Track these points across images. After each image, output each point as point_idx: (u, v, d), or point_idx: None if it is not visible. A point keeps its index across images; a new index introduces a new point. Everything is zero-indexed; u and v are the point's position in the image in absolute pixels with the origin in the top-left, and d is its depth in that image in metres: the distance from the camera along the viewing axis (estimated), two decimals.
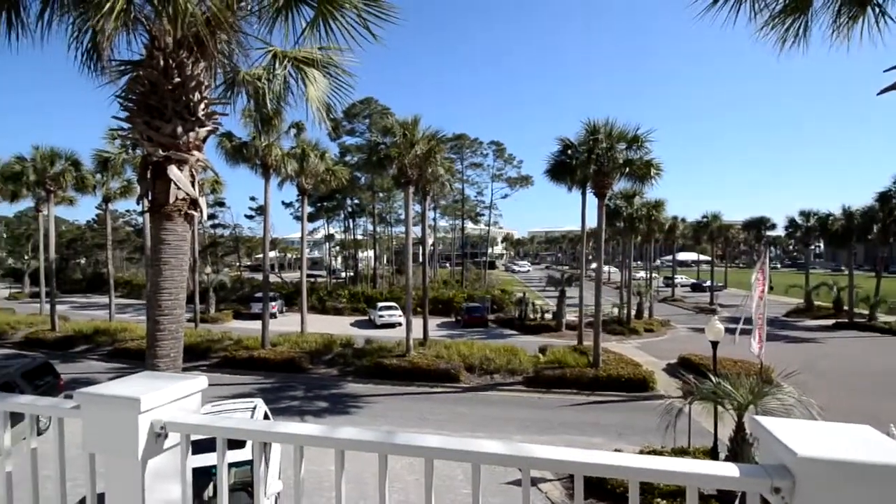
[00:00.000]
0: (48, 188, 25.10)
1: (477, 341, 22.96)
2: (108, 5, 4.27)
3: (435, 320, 32.02)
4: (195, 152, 5.90)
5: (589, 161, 18.72)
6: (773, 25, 6.15)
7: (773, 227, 44.90)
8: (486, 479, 1.37)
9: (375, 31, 5.61)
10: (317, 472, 9.01)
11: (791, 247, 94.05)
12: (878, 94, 5.74)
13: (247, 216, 55.69)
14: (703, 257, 65.23)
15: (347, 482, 1.48)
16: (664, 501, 8.62)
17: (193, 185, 5.90)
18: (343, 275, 56.64)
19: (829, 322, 32.74)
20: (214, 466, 1.60)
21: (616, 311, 32.31)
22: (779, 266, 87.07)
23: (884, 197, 29.55)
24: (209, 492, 7.10)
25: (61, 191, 26.22)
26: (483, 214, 57.83)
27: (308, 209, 32.07)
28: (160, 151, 5.66)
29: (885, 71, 5.40)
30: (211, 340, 23.04)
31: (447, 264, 67.67)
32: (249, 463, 7.30)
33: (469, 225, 60.67)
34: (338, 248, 58.35)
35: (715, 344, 11.82)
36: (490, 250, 72.84)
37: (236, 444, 7.04)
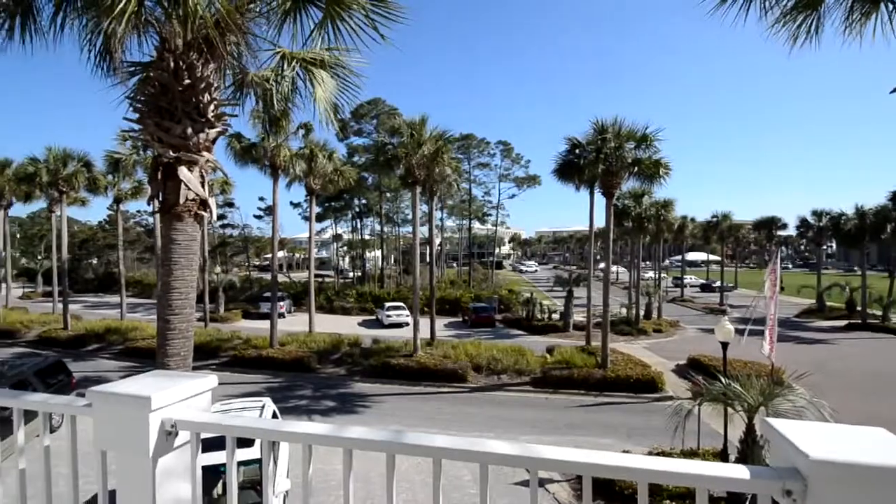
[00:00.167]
0: (61, 189, 25.44)
1: (484, 341, 22.93)
2: (118, 8, 4.32)
3: (442, 320, 32.02)
4: (205, 153, 5.95)
5: (597, 160, 18.62)
6: (784, 23, 6.08)
7: (785, 226, 44.38)
8: (494, 479, 1.37)
9: (383, 31, 5.63)
10: (324, 470, 9.07)
11: (803, 247, 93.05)
12: (892, 91, 5.65)
13: (256, 216, 55.98)
14: (712, 257, 64.62)
15: (355, 481, 1.48)
16: (673, 503, 8.56)
17: (203, 186, 5.96)
18: (351, 275, 56.78)
19: (842, 323, 32.29)
20: (223, 465, 1.61)
21: (624, 311, 32.11)
22: (790, 266, 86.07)
23: None
24: (218, 490, 7.16)
25: (74, 192, 26.57)
26: (490, 214, 57.73)
27: (316, 209, 32.23)
28: (170, 152, 5.71)
29: None
30: (220, 340, 23.23)
31: (454, 264, 67.57)
32: (258, 461, 7.35)
33: (476, 225, 60.56)
34: (345, 248, 58.52)
35: (725, 345, 11.71)
36: (497, 250, 72.68)
37: (245, 442, 7.08)
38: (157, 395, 1.52)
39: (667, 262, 65.70)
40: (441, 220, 54.44)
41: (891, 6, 5.64)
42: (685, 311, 40.34)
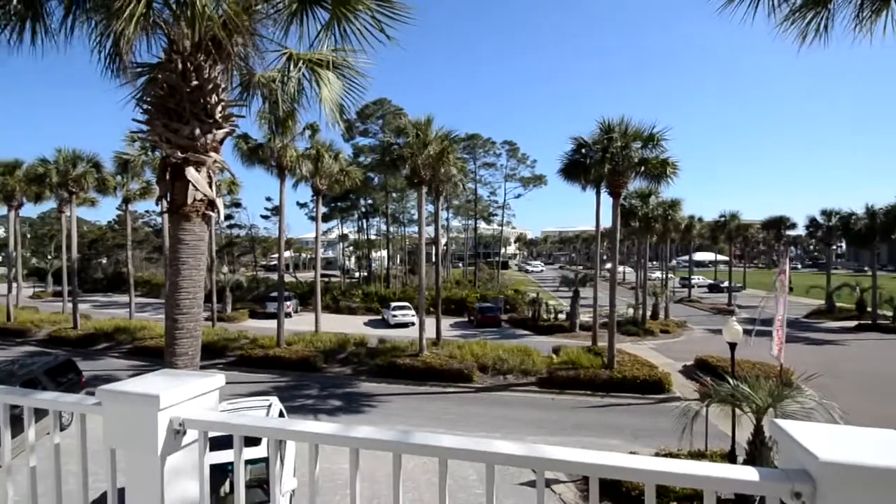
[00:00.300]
0: (70, 189, 25.71)
1: (490, 341, 22.91)
2: (127, 10, 4.36)
3: (448, 320, 32.03)
4: (212, 154, 6.00)
5: (603, 160, 18.54)
6: (793, 21, 6.02)
7: (794, 226, 43.99)
8: (499, 479, 1.38)
9: (389, 32, 5.64)
10: (330, 469, 9.10)
11: (812, 246, 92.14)
12: None
13: (262, 216, 56.53)
14: (720, 257, 64.14)
15: (361, 481, 1.49)
16: None
17: (211, 186, 6.00)
18: (357, 275, 56.93)
19: (852, 324, 31.92)
20: (230, 463, 1.62)
21: (631, 311, 31.96)
22: (799, 266, 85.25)
23: None
24: (225, 488, 7.20)
25: (83, 192, 26.84)
26: (496, 214, 57.67)
27: (322, 209, 32.34)
28: (179, 153, 5.76)
29: None
30: (227, 339, 23.38)
31: (460, 264, 67.57)
32: (264, 460, 7.39)
33: (482, 225, 60.53)
34: (351, 248, 58.67)
35: (733, 345, 11.62)
36: (503, 250, 72.59)
37: (251, 441, 7.13)
38: (166, 393, 1.53)
39: (674, 262, 65.29)
40: (447, 219, 54.46)
41: None
42: (693, 311, 40.08)
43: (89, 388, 13.62)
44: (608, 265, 30.23)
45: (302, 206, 51.46)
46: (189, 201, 5.81)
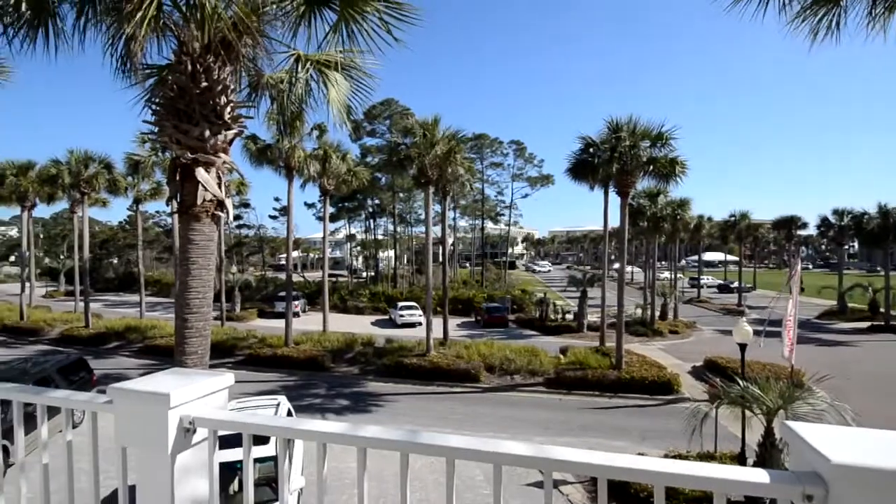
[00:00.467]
0: (82, 190, 26.05)
1: (497, 341, 22.87)
2: (139, 13, 4.40)
3: (455, 320, 32.01)
4: (222, 154, 6.04)
5: (611, 159, 18.43)
6: (804, 18, 5.95)
7: (805, 226, 43.48)
8: (506, 480, 1.38)
9: (396, 33, 5.64)
10: (338, 468, 9.13)
11: (823, 246, 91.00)
12: None
13: (271, 217, 56.88)
14: (730, 257, 63.63)
15: (368, 480, 1.49)
16: None
17: (220, 187, 6.04)
18: (364, 274, 57.12)
19: (864, 325, 31.49)
20: (239, 461, 1.63)
21: (639, 312, 31.74)
22: (811, 267, 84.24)
23: None
24: (234, 486, 7.26)
25: (95, 193, 27.19)
26: (503, 214, 57.54)
27: (330, 210, 32.54)
28: (188, 154, 5.81)
29: None
30: (236, 338, 23.55)
31: (467, 264, 67.54)
32: (273, 459, 7.44)
33: (489, 225, 60.44)
34: (359, 248, 58.89)
35: (743, 346, 11.51)
36: (510, 250, 72.46)
37: (260, 440, 7.19)
38: (176, 392, 1.55)
39: (683, 262, 64.78)
40: (454, 219, 54.47)
41: None
42: (702, 311, 39.74)
43: (101, 386, 13.79)
44: (616, 265, 30.07)
45: (310, 206, 51.83)
46: (199, 202, 5.86)
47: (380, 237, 54.58)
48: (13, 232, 78.50)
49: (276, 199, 55.17)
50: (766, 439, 8.69)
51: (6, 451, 8.42)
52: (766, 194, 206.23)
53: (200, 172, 5.82)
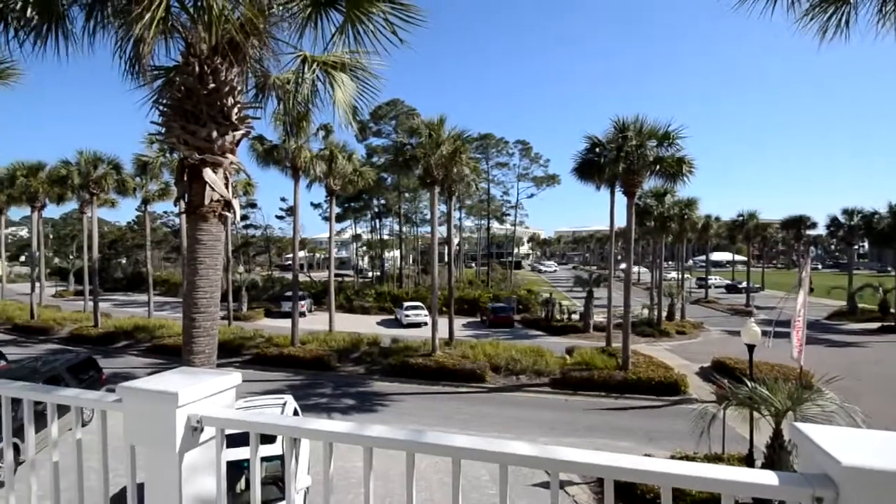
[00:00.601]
0: (91, 191, 26.31)
1: (503, 341, 22.84)
2: (147, 15, 4.44)
3: (460, 320, 32.01)
4: (229, 155, 6.08)
5: (618, 159, 18.35)
6: (812, 16, 5.90)
7: (814, 225, 43.06)
8: (512, 480, 1.37)
9: (402, 34, 5.65)
10: (344, 468, 9.16)
11: (833, 246, 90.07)
12: None
13: (277, 217, 57.08)
14: (738, 257, 63.16)
15: (374, 479, 1.49)
16: None
17: (227, 187, 6.08)
18: (370, 274, 57.25)
19: (874, 325, 31.12)
20: (246, 460, 1.64)
21: (646, 312, 31.57)
22: (820, 267, 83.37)
23: None
24: (241, 485, 7.30)
25: (103, 193, 27.45)
26: (509, 214, 57.48)
27: (336, 210, 32.58)
28: (196, 155, 5.85)
29: None
30: (243, 338, 23.68)
31: (473, 264, 67.54)
32: (279, 458, 7.47)
33: (495, 225, 60.39)
34: (364, 248, 59.04)
35: (751, 347, 11.42)
36: (516, 250, 72.29)
37: (267, 439, 7.22)
38: (184, 391, 1.56)
39: (690, 262, 64.40)
40: (459, 219, 54.42)
41: None
42: (710, 312, 39.47)
43: (109, 385, 13.92)
44: (623, 265, 29.93)
45: (316, 206, 51.99)
46: (206, 202, 5.90)
47: (385, 237, 54.69)
48: (24, 232, 79.44)
49: (283, 200, 55.46)
50: (775, 441, 8.61)
51: (17, 448, 8.51)
52: (775, 193, 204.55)
53: (208, 173, 5.86)
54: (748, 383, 8.92)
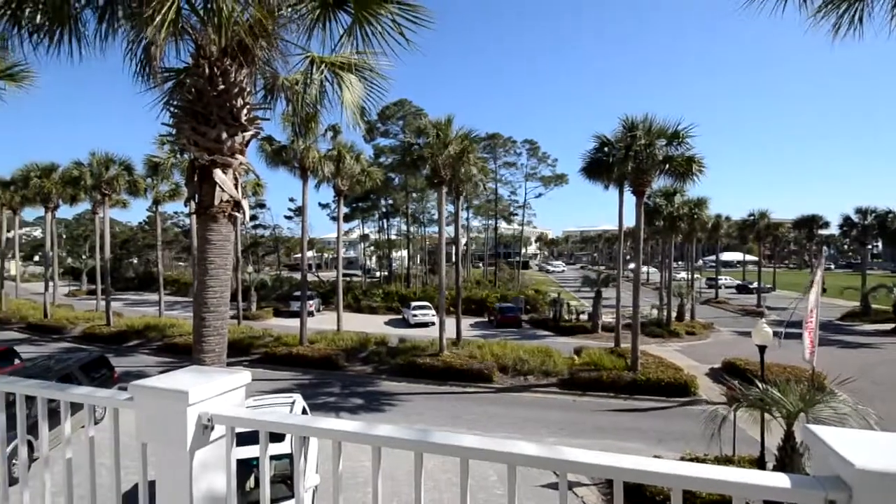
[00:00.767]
0: (103, 192, 26.66)
1: (510, 342, 22.79)
2: (158, 17, 4.49)
3: (468, 320, 31.99)
4: (238, 156, 6.13)
5: (626, 158, 18.24)
6: (825, 13, 5.82)
7: (827, 225, 42.49)
8: (519, 480, 1.37)
9: (409, 35, 5.66)
10: (352, 467, 9.19)
11: (846, 246, 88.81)
12: None
13: (286, 217, 57.67)
14: (749, 257, 62.41)
15: (382, 479, 1.50)
16: None
17: (237, 188, 6.13)
18: (377, 274, 57.42)
19: (888, 326, 30.61)
20: (255, 459, 1.65)
21: (655, 312, 31.35)
22: (832, 267, 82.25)
23: None
24: (250, 483, 7.35)
25: (115, 194, 27.79)
26: (516, 214, 57.36)
27: (344, 210, 32.73)
28: (206, 156, 5.90)
29: None
30: (252, 337, 23.87)
31: (480, 264, 67.44)
32: (288, 456, 7.51)
33: (502, 224, 60.29)
34: (372, 248, 59.22)
35: (762, 348, 11.29)
36: (523, 250, 72.13)
37: (275, 437, 7.25)
38: (195, 389, 1.57)
39: (700, 262, 63.77)
40: (467, 219, 54.41)
41: None
42: (720, 312, 39.09)
43: (121, 383, 14.08)
44: (631, 265, 29.71)
45: (324, 206, 52.28)
46: (216, 203, 5.96)
47: (393, 237, 54.79)
48: (37, 232, 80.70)
49: (291, 200, 55.92)
50: (787, 443, 8.51)
51: (31, 445, 8.64)
52: (786, 193, 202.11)
53: (218, 174, 5.92)
54: (759, 385, 8.82)
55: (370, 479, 1.52)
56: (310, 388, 17.41)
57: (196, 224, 6.35)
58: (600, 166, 19.67)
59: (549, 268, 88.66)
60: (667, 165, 18.38)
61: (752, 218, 43.77)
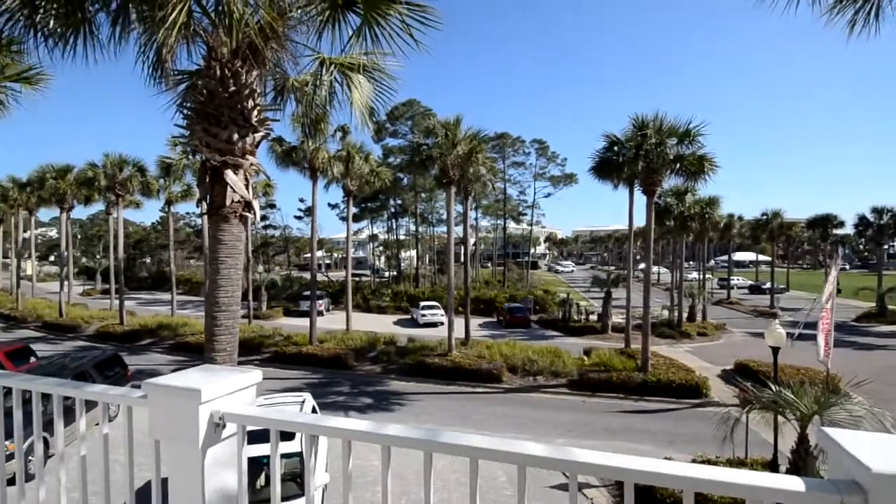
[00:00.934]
0: (117, 192, 27.05)
1: (519, 342, 22.73)
2: (170, 20, 4.54)
3: (477, 320, 31.96)
4: (249, 157, 6.19)
5: (636, 157, 18.09)
6: (839, 9, 5.72)
7: (842, 224, 41.75)
8: (529, 481, 1.36)
9: (418, 36, 5.67)
10: (361, 465, 9.23)
11: (861, 246, 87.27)
12: None
13: (296, 217, 58.08)
14: (762, 257, 61.68)
15: (391, 478, 1.50)
16: None
17: (247, 189, 6.19)
18: (386, 274, 57.60)
19: None
20: (266, 457, 1.66)
21: (666, 313, 31.06)
22: (848, 267, 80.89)
23: None
24: (261, 481, 7.41)
25: (129, 195, 28.19)
26: (525, 214, 57.16)
27: (353, 210, 32.92)
28: (217, 157, 5.96)
29: None
30: (263, 336, 24.07)
31: (489, 264, 67.35)
32: (298, 455, 7.57)
33: (511, 224, 60.14)
34: (381, 247, 59.44)
35: (776, 350, 11.14)
36: (532, 250, 71.80)
37: (286, 436, 7.31)
38: (207, 388, 1.58)
39: (712, 262, 63.06)
40: (476, 219, 54.42)
41: None
42: (732, 313, 38.65)
43: (134, 381, 14.27)
44: (642, 265, 29.49)
45: (333, 206, 52.58)
46: (227, 203, 6.02)
47: (402, 237, 54.93)
48: (53, 233, 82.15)
49: (301, 200, 56.36)
50: (800, 446, 8.39)
51: (46, 442, 8.79)
52: (799, 193, 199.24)
53: (229, 174, 5.97)
54: (772, 386, 8.71)
55: (379, 478, 1.52)
56: (319, 388, 17.50)
57: (208, 224, 6.42)
58: (610, 165, 19.54)
59: (559, 268, 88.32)
60: (678, 164, 18.20)
61: (765, 217, 43.19)
